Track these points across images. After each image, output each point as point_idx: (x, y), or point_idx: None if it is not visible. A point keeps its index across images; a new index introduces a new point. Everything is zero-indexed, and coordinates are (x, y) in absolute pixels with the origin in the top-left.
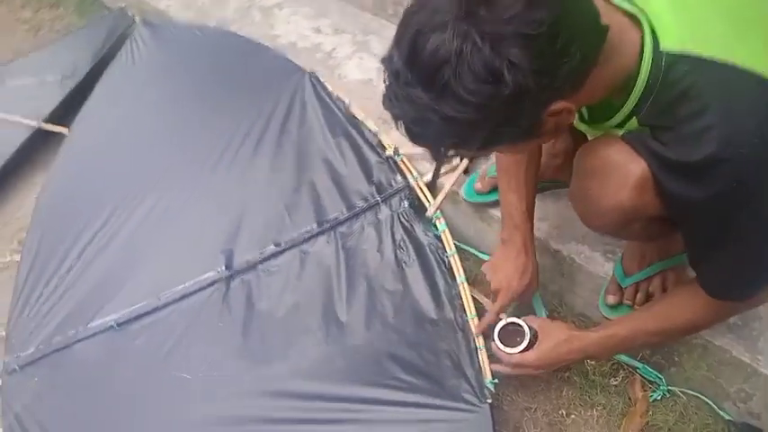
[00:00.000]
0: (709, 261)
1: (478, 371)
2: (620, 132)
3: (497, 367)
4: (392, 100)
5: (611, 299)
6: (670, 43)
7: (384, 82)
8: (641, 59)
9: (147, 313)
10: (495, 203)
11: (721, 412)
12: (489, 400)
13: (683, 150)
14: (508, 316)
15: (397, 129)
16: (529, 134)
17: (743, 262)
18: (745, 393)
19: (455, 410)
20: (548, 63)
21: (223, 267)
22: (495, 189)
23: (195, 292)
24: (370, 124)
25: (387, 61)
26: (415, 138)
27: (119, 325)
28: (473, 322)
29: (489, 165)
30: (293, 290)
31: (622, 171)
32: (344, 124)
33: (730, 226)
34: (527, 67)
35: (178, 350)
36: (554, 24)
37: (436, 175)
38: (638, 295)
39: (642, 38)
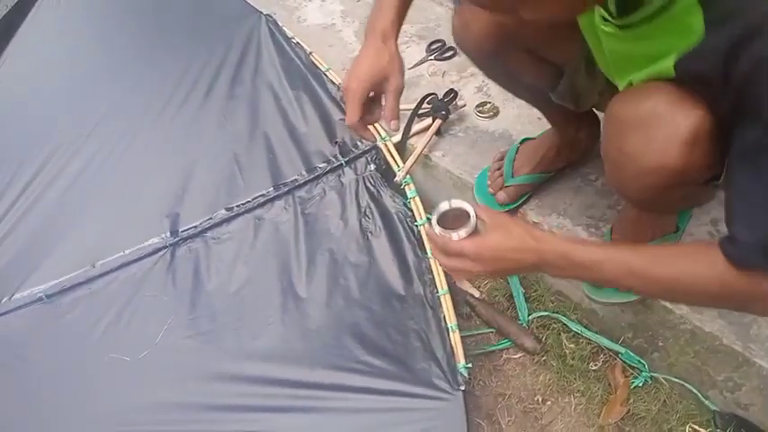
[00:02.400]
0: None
1: (450, 353)
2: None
3: (432, 251)
4: None
5: None
6: None
7: None
8: None
9: (81, 284)
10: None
11: (707, 402)
12: (462, 387)
13: None
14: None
15: None
16: None
17: None
18: (733, 383)
19: (425, 398)
20: None
21: (168, 233)
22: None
23: (136, 260)
24: (334, 76)
25: None
26: None
27: (48, 297)
28: (445, 299)
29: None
30: (246, 261)
31: (671, 123)
32: (305, 75)
33: None
34: None
35: (116, 328)
36: None
37: (406, 135)
38: None
39: None
